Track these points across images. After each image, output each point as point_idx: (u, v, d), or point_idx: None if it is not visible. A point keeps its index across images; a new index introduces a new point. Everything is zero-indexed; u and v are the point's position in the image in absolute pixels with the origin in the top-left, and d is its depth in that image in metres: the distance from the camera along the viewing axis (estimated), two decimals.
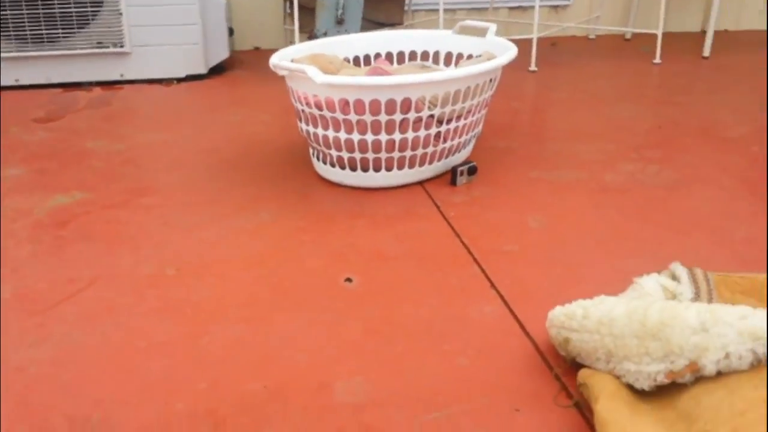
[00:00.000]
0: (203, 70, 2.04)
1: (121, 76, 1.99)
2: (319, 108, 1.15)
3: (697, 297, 0.82)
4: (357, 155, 1.20)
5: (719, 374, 0.59)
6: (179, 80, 2.04)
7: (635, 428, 0.59)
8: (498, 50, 1.31)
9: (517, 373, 0.76)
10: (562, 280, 0.95)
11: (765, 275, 0.85)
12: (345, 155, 1.20)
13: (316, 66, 1.21)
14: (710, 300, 0.81)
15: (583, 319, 0.72)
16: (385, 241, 1.06)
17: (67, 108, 1.81)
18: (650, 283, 0.83)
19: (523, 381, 0.74)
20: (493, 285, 0.94)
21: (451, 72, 1.13)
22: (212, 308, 0.89)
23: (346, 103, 1.12)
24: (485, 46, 1.38)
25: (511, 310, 0.88)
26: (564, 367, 0.76)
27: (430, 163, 1.26)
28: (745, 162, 1.37)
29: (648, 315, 0.66)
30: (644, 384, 0.64)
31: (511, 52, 1.25)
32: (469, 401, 0.71)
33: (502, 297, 0.91)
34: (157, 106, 1.85)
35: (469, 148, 1.38)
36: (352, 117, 1.14)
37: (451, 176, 1.28)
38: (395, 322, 0.85)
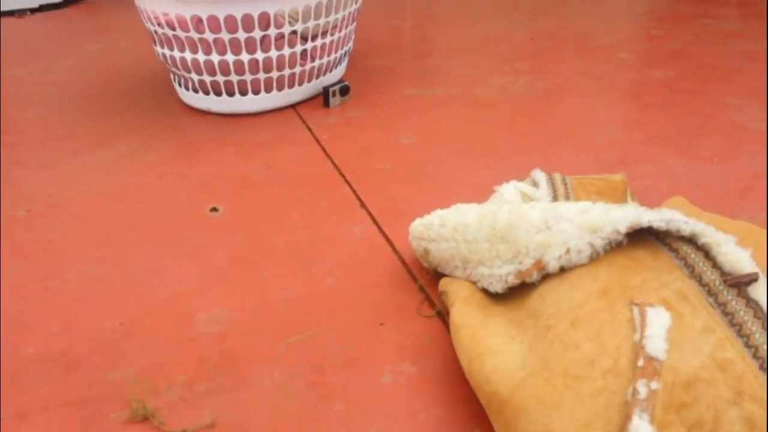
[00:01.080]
0: None
1: None
2: (172, 27, 1.08)
3: (554, 200, 0.84)
4: (220, 78, 1.14)
5: (563, 270, 0.60)
6: (33, 11, 1.88)
7: (485, 329, 0.61)
8: None
9: (383, 289, 0.76)
10: (431, 194, 0.95)
11: (619, 176, 0.88)
12: (207, 79, 1.15)
13: None
14: (567, 201, 0.84)
15: (440, 227, 0.72)
16: (254, 169, 1.03)
17: None
18: (509, 190, 0.84)
19: (389, 296, 0.75)
20: (363, 204, 0.93)
21: None
22: (65, 248, 0.84)
23: (200, 20, 1.06)
24: None
25: (380, 228, 0.87)
26: (427, 279, 0.76)
27: (300, 84, 1.22)
28: (612, 70, 1.40)
29: (497, 218, 0.67)
30: (497, 287, 0.66)
31: None
32: (334, 320, 0.71)
33: (371, 216, 0.90)
34: (9, 39, 1.69)
35: (343, 67, 1.35)
36: (208, 36, 1.08)
37: (323, 97, 1.24)
38: (262, 249, 0.83)
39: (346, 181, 0.99)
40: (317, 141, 1.11)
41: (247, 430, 0.58)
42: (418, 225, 0.75)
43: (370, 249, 0.83)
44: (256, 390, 0.62)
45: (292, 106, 1.24)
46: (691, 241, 0.56)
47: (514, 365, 0.55)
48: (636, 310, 0.53)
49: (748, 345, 0.50)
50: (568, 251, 0.60)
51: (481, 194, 0.88)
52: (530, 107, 1.23)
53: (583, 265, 0.59)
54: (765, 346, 0.50)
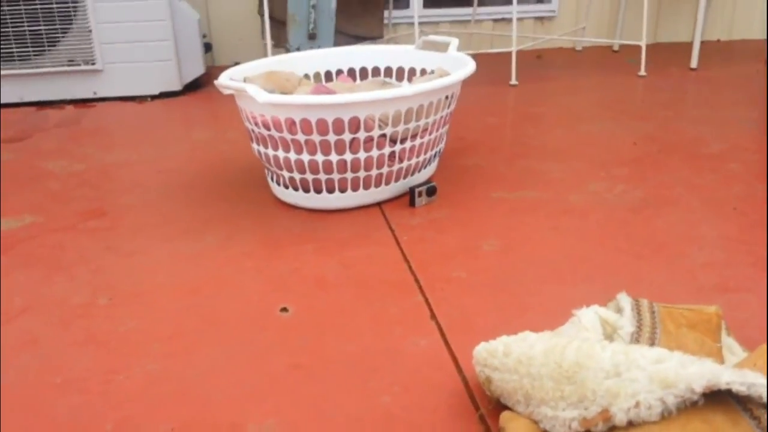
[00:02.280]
0: (178, 87, 2.02)
1: (95, 93, 1.97)
2: (267, 128, 1.12)
3: (639, 331, 0.77)
4: (309, 176, 1.16)
5: (631, 424, 0.55)
6: (153, 97, 2.02)
7: None
8: (456, 65, 1.28)
9: (440, 414, 0.72)
10: (507, 309, 0.91)
11: (714, 307, 0.80)
12: (297, 176, 1.17)
13: (272, 84, 1.18)
14: (653, 334, 0.77)
15: (504, 357, 0.68)
16: (331, 268, 1.03)
17: (36, 127, 1.79)
18: (589, 316, 0.78)
19: (446, 422, 0.70)
20: (433, 315, 0.90)
21: (397, 90, 1.10)
22: (137, 341, 0.86)
23: (293, 122, 1.09)
24: (445, 61, 1.35)
25: (447, 343, 0.84)
26: (489, 408, 0.71)
27: (387, 183, 1.22)
28: (719, 181, 1.32)
29: (565, 355, 0.62)
30: (560, 431, 0.60)
31: (467, 68, 1.22)
32: None
33: (440, 328, 0.87)
34: (127, 124, 1.82)
35: (433, 166, 1.35)
36: (300, 137, 1.11)
37: (409, 197, 1.24)
38: (324, 356, 0.82)
39: (420, 288, 0.96)
40: (397, 242, 1.10)
41: None
42: (481, 350, 0.71)
43: (433, 366, 0.79)
44: None
45: (378, 204, 1.25)
46: None
47: None
48: None
49: None
50: (637, 404, 0.54)
51: (559, 315, 0.83)
52: (624, 219, 1.17)
53: (653, 423, 0.54)
54: None
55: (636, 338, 0.76)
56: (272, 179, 1.27)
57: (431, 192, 1.25)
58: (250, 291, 0.97)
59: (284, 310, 0.92)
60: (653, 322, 0.79)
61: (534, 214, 1.20)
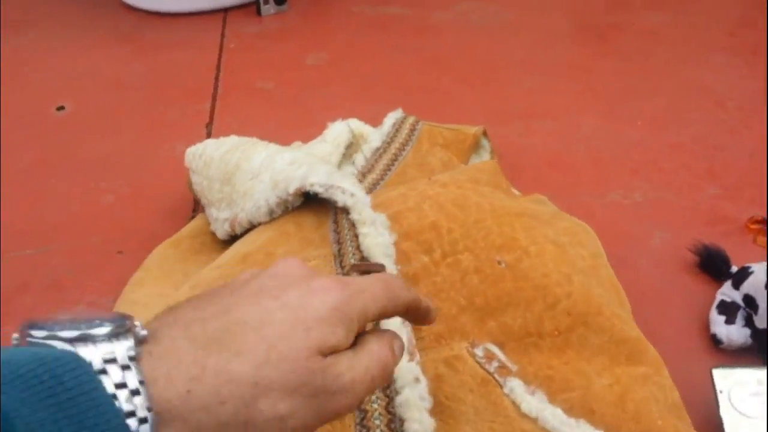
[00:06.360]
0: None
1: None
2: None
3: (387, 147, 0.74)
4: None
5: (253, 225, 0.53)
6: None
7: (161, 278, 0.55)
8: None
9: (159, 215, 0.70)
10: (291, 122, 0.87)
11: (476, 128, 0.77)
12: None
13: None
14: (400, 151, 0.74)
15: (198, 159, 0.65)
16: (134, 70, 0.98)
17: None
18: (337, 129, 0.75)
19: (155, 224, 0.69)
20: (210, 123, 0.86)
21: None
22: None
23: None
24: None
25: None
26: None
27: None
28: (597, 7, 1.21)
29: (231, 157, 0.59)
30: (221, 233, 0.59)
31: None
32: (78, 240, 0.67)
33: (209, 136, 0.84)
34: None
35: None
36: None
37: (256, 5, 1.16)
38: (74, 156, 0.80)
39: (213, 96, 0.92)
40: (220, 49, 1.04)
41: None
42: (189, 152, 0.68)
43: (175, 171, 0.77)
44: None
45: (224, 11, 1.17)
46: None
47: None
48: None
49: None
50: (254, 206, 0.52)
51: None
52: (478, 41, 1.09)
53: (266, 223, 0.52)
54: None
55: (380, 154, 0.73)
56: None
57: (280, 0, 1.16)
58: (32, 90, 0.93)
59: (61, 108, 0.89)
60: (407, 139, 0.75)
61: (384, 31, 1.12)
